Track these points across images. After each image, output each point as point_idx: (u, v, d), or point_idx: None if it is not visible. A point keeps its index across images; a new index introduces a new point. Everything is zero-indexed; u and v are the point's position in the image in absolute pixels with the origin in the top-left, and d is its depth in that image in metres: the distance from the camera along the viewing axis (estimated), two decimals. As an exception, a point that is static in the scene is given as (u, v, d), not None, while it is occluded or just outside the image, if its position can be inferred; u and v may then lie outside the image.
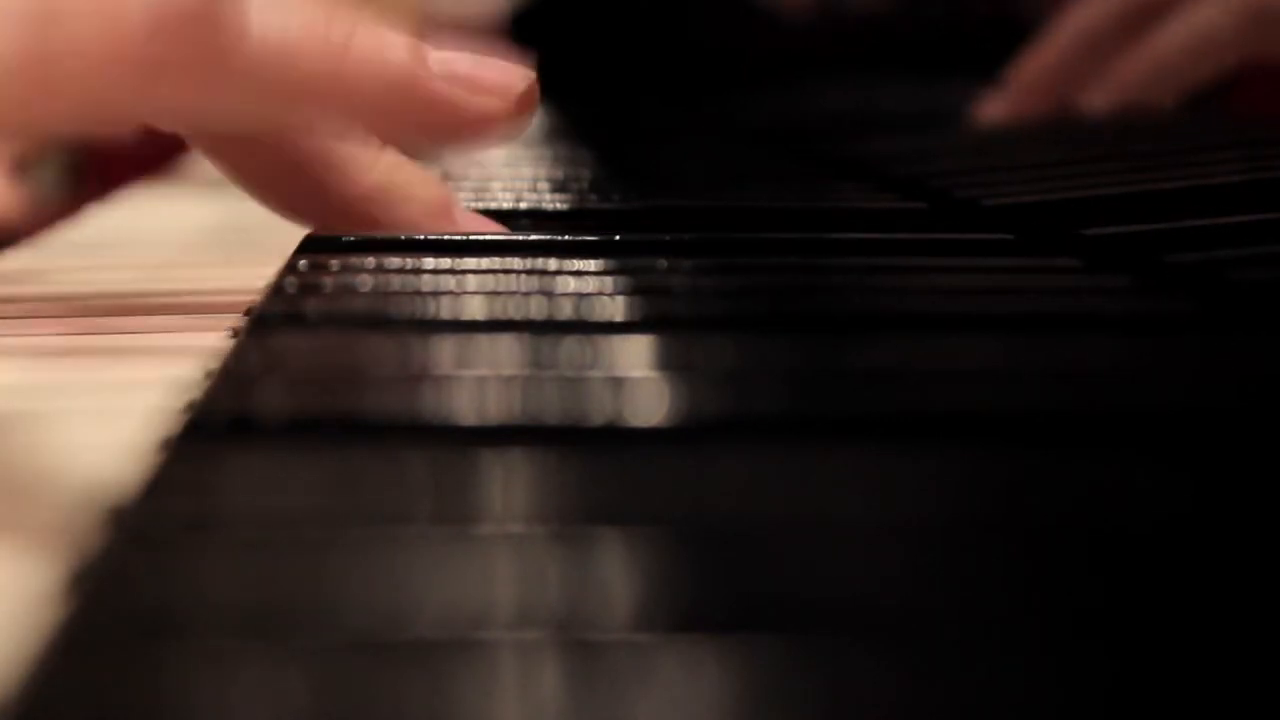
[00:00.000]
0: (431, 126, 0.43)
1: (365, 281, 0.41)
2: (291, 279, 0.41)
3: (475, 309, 0.38)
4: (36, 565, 0.23)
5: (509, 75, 0.45)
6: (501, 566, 0.22)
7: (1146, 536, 0.24)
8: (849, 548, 0.23)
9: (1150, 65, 0.95)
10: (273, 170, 0.48)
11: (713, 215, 0.59)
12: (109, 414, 0.33)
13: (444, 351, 0.34)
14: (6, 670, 0.19)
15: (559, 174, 0.73)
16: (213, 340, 0.38)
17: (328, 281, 0.41)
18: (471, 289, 0.40)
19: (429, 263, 0.44)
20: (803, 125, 1.07)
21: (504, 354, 0.34)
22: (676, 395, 0.30)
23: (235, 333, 0.38)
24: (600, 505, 0.25)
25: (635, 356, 0.33)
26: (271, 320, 0.37)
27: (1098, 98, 0.95)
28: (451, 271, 0.43)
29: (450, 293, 0.40)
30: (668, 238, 0.49)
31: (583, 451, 0.28)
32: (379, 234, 0.48)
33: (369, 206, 0.48)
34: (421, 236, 0.48)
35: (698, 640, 0.20)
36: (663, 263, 0.44)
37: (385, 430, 0.29)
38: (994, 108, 0.98)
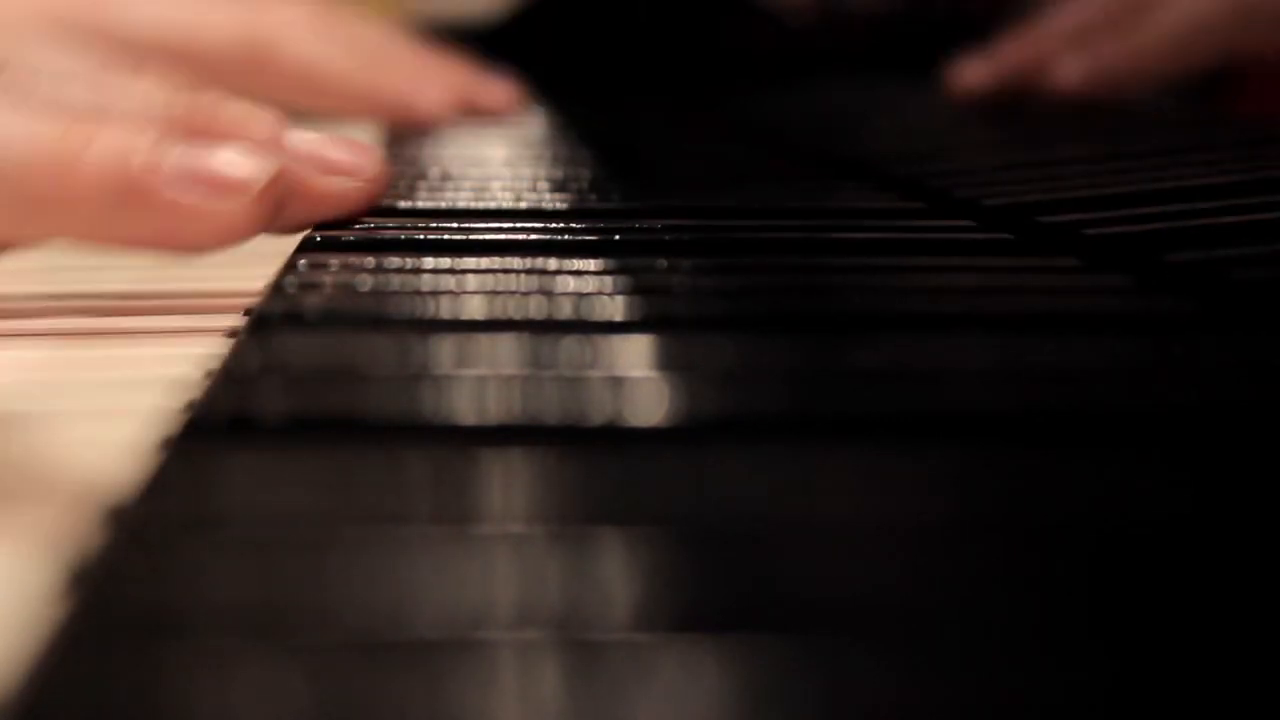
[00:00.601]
0: (164, 234, 0.42)
1: (365, 281, 0.41)
2: (291, 279, 0.41)
3: (475, 309, 0.38)
4: (36, 565, 0.23)
5: (361, 156, 0.46)
6: (501, 566, 0.22)
7: (1146, 537, 0.24)
8: (849, 548, 0.23)
9: (1135, 49, 0.96)
10: None
11: (713, 215, 0.59)
12: (109, 414, 0.33)
13: (444, 351, 0.34)
14: (6, 670, 0.19)
15: (559, 174, 0.73)
16: (213, 340, 0.38)
17: (328, 281, 0.41)
18: (471, 289, 0.40)
19: (429, 262, 0.44)
20: (802, 125, 1.07)
21: (504, 354, 0.34)
22: (676, 395, 0.30)
23: (235, 333, 0.38)
24: (600, 505, 0.25)
25: (635, 356, 0.33)
26: (271, 320, 0.37)
27: (1073, 68, 0.95)
28: (451, 271, 0.43)
29: (450, 292, 0.40)
30: (668, 238, 0.49)
31: (583, 451, 0.28)
32: (379, 234, 0.48)
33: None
34: (421, 237, 0.48)
35: (697, 640, 0.20)
36: (663, 263, 0.44)
37: (385, 430, 0.29)
38: (973, 75, 0.99)
